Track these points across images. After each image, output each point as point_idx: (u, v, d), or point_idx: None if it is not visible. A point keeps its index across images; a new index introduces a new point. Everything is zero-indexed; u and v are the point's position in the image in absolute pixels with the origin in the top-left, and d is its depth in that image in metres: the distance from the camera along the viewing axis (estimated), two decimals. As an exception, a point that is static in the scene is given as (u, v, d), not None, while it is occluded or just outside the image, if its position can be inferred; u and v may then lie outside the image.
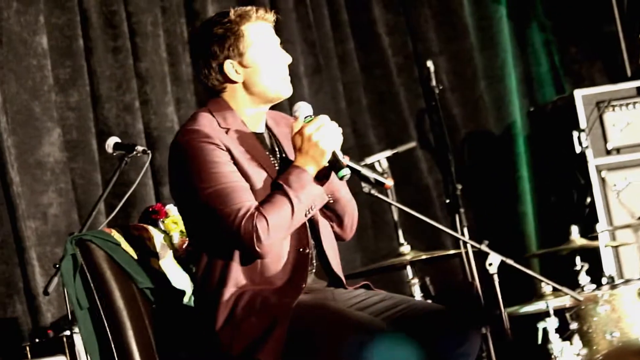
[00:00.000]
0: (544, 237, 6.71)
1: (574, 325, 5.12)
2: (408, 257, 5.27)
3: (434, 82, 6.13)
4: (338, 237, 3.51)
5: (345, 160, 3.29)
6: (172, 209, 3.72)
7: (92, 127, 5.52)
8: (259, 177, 3.29)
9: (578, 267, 5.28)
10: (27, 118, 5.27)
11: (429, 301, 5.17)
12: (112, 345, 3.40)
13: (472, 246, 4.46)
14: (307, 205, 3.24)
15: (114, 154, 4.47)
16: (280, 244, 3.28)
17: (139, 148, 4.43)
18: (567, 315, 5.16)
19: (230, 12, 3.35)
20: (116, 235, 3.55)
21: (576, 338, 5.09)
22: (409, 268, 5.41)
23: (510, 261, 3.76)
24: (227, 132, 3.30)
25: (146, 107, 5.71)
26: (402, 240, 5.57)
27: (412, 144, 6.43)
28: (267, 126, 3.46)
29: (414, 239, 5.87)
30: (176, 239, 3.65)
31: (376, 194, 3.43)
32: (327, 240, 3.43)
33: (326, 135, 3.27)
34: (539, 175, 6.82)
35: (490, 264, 3.76)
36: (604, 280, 5.27)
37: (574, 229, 5.44)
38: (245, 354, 3.18)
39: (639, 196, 6.23)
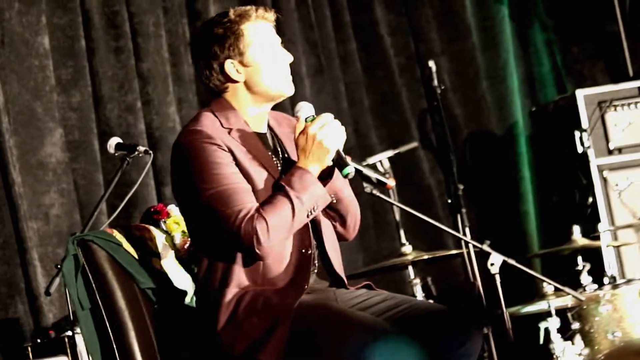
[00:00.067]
0: (546, 237, 6.71)
1: (575, 325, 5.13)
2: (410, 257, 5.27)
3: (435, 83, 6.14)
4: (341, 237, 3.51)
5: (347, 160, 3.29)
6: (173, 209, 3.72)
7: (94, 127, 5.52)
8: (261, 177, 3.29)
9: (580, 267, 5.28)
10: (29, 118, 5.28)
11: (431, 301, 5.18)
12: (114, 346, 3.40)
13: (474, 246, 4.47)
14: (309, 207, 3.23)
15: (116, 155, 4.47)
16: (283, 245, 3.28)
17: (141, 148, 4.43)
18: (569, 315, 5.17)
19: (230, 12, 3.35)
20: (118, 235, 3.55)
21: (578, 338, 5.10)
22: (410, 268, 5.41)
23: (512, 261, 3.76)
24: (229, 133, 3.30)
25: (148, 107, 5.71)
26: (403, 240, 5.57)
27: (414, 144, 6.44)
28: (269, 126, 3.46)
29: (416, 239, 5.87)
30: (178, 240, 3.65)
31: (378, 194, 3.44)
32: (329, 241, 3.43)
33: (330, 134, 3.27)
34: (540, 175, 6.82)
35: (492, 264, 3.76)
36: (605, 280, 5.27)
37: (576, 229, 5.44)
38: (247, 354, 3.18)
39: (640, 196, 6.25)
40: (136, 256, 3.54)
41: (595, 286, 5.21)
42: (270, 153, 3.38)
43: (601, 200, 6.22)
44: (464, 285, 5.72)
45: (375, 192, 3.41)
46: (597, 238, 5.47)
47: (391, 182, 3.37)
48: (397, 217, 5.84)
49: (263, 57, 3.35)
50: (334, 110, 6.43)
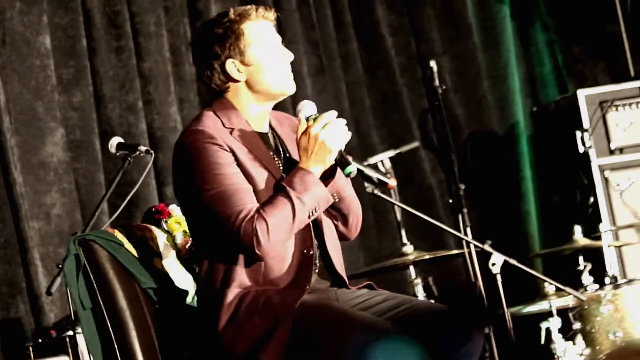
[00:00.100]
0: (547, 237, 6.71)
1: (577, 325, 5.12)
2: (411, 257, 5.27)
3: (437, 82, 6.14)
4: (343, 237, 3.51)
5: (349, 159, 3.29)
6: (175, 209, 3.72)
7: (95, 127, 5.52)
8: (263, 177, 3.29)
9: (581, 267, 5.28)
10: (30, 118, 5.28)
11: (432, 301, 5.18)
12: (115, 345, 3.40)
13: (475, 246, 4.45)
14: (310, 208, 3.23)
15: (117, 154, 4.48)
16: (284, 245, 3.27)
17: (142, 148, 4.43)
18: (570, 315, 5.16)
19: (230, 12, 3.35)
20: (119, 235, 3.55)
21: (579, 338, 5.09)
22: (411, 268, 5.41)
23: (513, 261, 3.76)
24: (231, 132, 3.30)
25: (149, 107, 5.71)
26: (405, 240, 5.57)
27: (415, 144, 6.43)
28: (271, 126, 3.46)
29: (417, 238, 5.87)
30: (179, 239, 3.65)
31: (379, 194, 3.43)
32: (330, 241, 3.42)
33: (332, 134, 3.26)
34: (542, 175, 6.82)
35: (493, 264, 3.76)
36: (607, 280, 5.27)
37: (577, 229, 5.44)
38: (248, 354, 3.18)
39: (642, 196, 6.24)
40: (137, 256, 3.54)
41: (597, 286, 5.21)
42: (271, 153, 3.38)
43: (602, 200, 6.21)
44: (465, 285, 5.72)
45: (376, 192, 3.41)
46: (599, 238, 5.46)
47: (392, 182, 3.37)
48: (399, 217, 5.84)
49: (264, 56, 3.35)
50: (335, 110, 6.45)
